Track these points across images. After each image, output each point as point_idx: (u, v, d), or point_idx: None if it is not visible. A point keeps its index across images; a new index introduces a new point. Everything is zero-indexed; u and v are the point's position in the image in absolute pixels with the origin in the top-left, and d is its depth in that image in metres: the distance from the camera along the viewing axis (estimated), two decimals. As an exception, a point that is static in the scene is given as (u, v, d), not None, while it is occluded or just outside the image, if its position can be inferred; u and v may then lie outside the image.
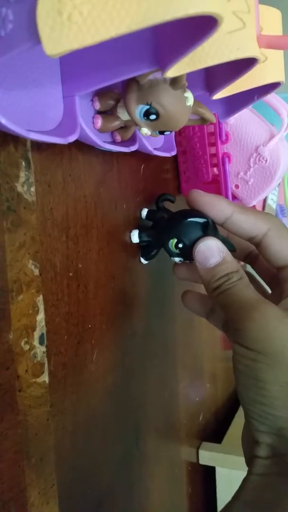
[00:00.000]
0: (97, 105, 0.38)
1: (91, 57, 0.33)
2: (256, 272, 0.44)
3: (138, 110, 0.36)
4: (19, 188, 0.33)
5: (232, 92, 0.40)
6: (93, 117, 0.39)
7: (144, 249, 0.51)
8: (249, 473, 0.34)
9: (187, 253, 0.41)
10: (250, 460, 0.35)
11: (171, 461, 0.63)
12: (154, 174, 0.55)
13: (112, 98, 0.39)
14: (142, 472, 0.53)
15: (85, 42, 0.24)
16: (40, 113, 0.34)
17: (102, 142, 0.38)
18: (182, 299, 0.47)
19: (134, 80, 0.36)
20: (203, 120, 0.41)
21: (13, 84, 0.31)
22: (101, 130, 0.39)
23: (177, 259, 0.43)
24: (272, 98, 0.54)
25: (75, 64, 0.35)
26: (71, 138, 0.34)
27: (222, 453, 0.73)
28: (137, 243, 0.49)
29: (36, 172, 0.35)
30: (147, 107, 0.36)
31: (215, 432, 0.79)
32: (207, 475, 0.76)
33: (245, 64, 0.35)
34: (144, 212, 0.51)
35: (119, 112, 0.39)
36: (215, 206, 0.38)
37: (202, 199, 0.39)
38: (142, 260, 0.52)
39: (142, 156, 0.50)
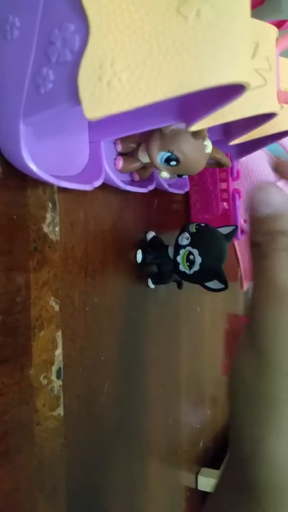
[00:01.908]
0: (119, 148, 0.40)
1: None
2: None
3: (160, 156, 0.38)
4: (45, 229, 0.35)
5: (248, 139, 0.42)
6: (114, 159, 0.40)
7: (155, 275, 0.52)
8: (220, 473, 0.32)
9: (202, 272, 0.40)
10: None
11: (171, 487, 0.64)
12: (167, 206, 0.57)
13: (134, 141, 0.41)
14: (145, 499, 0.54)
15: (122, 107, 0.25)
16: (68, 158, 0.35)
17: (123, 184, 0.39)
18: None
19: (157, 128, 0.37)
20: (219, 164, 0.43)
21: (44, 132, 0.33)
22: (121, 171, 0.41)
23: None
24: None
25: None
26: (97, 184, 0.35)
27: (220, 479, 0.73)
28: (145, 268, 0.50)
29: (61, 212, 0.36)
30: (169, 154, 0.37)
31: (214, 458, 0.80)
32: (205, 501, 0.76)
33: (264, 117, 0.37)
34: (150, 235, 0.51)
35: (140, 155, 0.41)
36: None
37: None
38: (150, 284, 0.52)
39: (156, 190, 0.51)
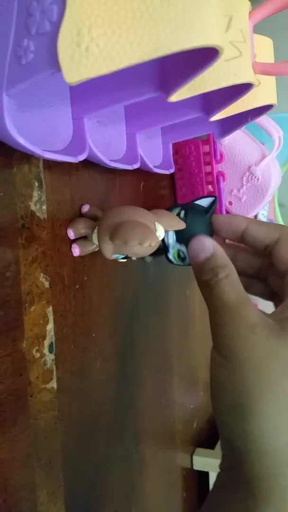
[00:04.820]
0: (72, 234, 0.40)
1: (99, 81, 0.36)
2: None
3: (114, 255, 0.38)
4: (32, 207, 0.35)
5: (228, 114, 0.43)
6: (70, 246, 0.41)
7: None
8: (213, 487, 0.35)
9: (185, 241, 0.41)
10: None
11: (167, 467, 0.64)
12: (152, 190, 0.58)
13: (85, 226, 0.40)
14: (140, 476, 0.55)
15: (101, 71, 0.26)
16: (52, 133, 0.36)
17: (108, 160, 0.40)
18: None
19: (105, 230, 0.37)
20: None
21: (28, 106, 0.34)
22: (80, 255, 0.41)
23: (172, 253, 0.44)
24: (263, 120, 0.56)
25: (83, 88, 0.37)
26: (81, 157, 0.36)
27: (215, 458, 0.74)
28: None
29: (47, 191, 0.37)
30: (123, 256, 0.38)
31: (208, 438, 0.81)
32: (201, 480, 0.77)
33: (241, 89, 0.38)
34: None
35: (94, 238, 0.39)
36: (232, 222, 0.41)
37: (218, 220, 0.42)
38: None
39: (141, 173, 0.52)
